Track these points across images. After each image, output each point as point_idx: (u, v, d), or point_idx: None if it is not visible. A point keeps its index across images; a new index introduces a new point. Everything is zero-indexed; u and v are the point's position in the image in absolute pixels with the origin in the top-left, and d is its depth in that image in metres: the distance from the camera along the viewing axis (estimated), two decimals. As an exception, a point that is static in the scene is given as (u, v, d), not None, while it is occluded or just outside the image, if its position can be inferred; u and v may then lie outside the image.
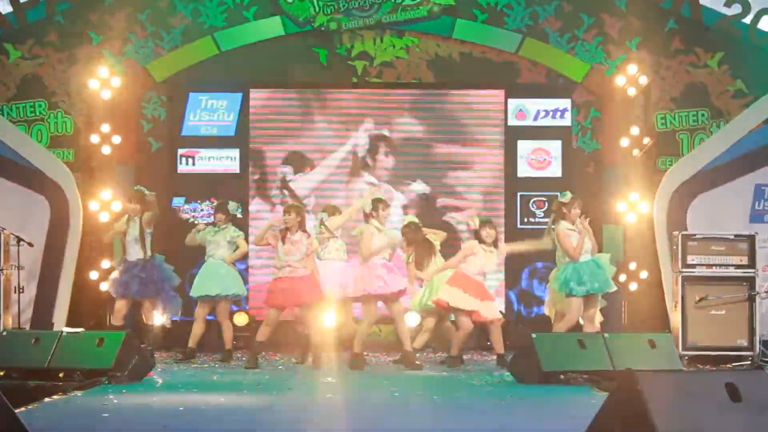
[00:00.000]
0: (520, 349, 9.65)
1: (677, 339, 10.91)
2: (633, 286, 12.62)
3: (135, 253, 11.35)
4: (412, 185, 13.19)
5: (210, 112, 13.21)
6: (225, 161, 13.17)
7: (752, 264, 11.16)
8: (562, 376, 9.09)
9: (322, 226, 11.14)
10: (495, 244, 10.87)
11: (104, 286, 12.18)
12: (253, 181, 13.21)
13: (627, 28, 13.10)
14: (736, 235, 11.31)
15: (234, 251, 11.48)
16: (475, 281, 10.76)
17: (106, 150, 12.74)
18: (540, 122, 13.20)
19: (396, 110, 13.26)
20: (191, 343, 11.36)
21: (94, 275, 12.43)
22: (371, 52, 13.27)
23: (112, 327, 11.34)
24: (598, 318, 10.75)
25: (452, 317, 11.09)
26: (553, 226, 10.73)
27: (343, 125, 13.25)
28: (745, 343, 11.07)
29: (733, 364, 10.78)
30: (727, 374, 5.77)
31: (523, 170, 13.17)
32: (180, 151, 13.16)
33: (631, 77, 12.88)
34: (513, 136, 13.19)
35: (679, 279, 11.20)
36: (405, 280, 10.83)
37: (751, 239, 11.23)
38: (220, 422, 7.01)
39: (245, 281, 12.09)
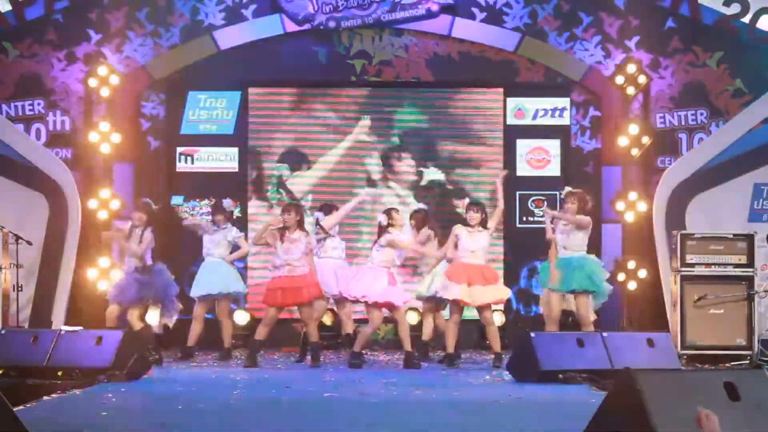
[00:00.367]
0: (518, 348, 9.65)
1: (676, 338, 10.91)
2: (632, 286, 12.62)
3: (136, 262, 11.15)
4: (425, 172, 13.20)
5: (209, 110, 13.21)
6: (224, 160, 13.18)
7: (751, 263, 11.16)
8: (560, 375, 9.08)
9: (318, 226, 11.20)
10: (483, 224, 10.71)
11: (103, 285, 12.17)
12: (252, 180, 13.21)
13: (626, 27, 13.10)
14: (734, 235, 11.31)
15: (234, 251, 11.46)
16: (473, 266, 10.62)
17: (104, 148, 12.74)
18: (539, 121, 13.21)
19: (395, 110, 13.26)
20: (190, 342, 11.35)
21: (92, 273, 12.42)
22: (370, 51, 13.27)
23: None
24: (591, 317, 10.61)
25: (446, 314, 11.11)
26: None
27: (342, 124, 13.25)
28: (743, 342, 11.07)
29: (732, 363, 10.78)
30: (725, 373, 5.76)
31: (522, 169, 13.17)
32: (179, 150, 13.17)
33: (630, 76, 12.88)
34: (512, 135, 13.19)
35: (678, 278, 11.20)
36: (407, 294, 10.96)
37: (749, 238, 11.23)
38: (219, 421, 7.01)
39: (244, 280, 12.08)
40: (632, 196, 12.72)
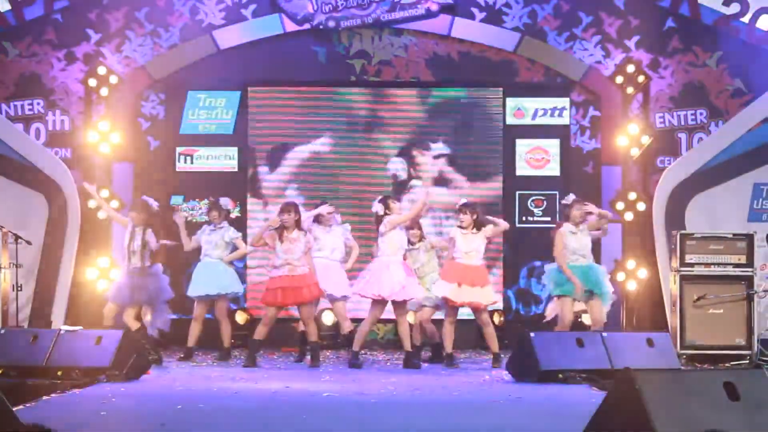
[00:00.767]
0: (518, 348, 9.65)
1: (675, 338, 10.92)
2: (631, 285, 12.62)
3: (135, 261, 11.13)
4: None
5: (208, 110, 13.20)
6: (223, 159, 13.17)
7: (750, 263, 11.18)
8: (560, 375, 9.09)
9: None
10: (477, 226, 10.72)
11: (102, 285, 12.17)
12: (251, 179, 13.20)
13: (626, 26, 13.10)
14: (734, 234, 11.32)
15: (232, 252, 11.45)
16: (467, 267, 10.65)
17: (104, 148, 12.74)
18: (538, 121, 13.20)
19: (395, 109, 13.26)
20: (190, 342, 11.33)
21: (92, 273, 12.42)
22: (369, 51, 13.27)
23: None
24: (603, 319, 10.60)
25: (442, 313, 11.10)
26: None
27: (342, 124, 13.25)
28: (743, 342, 11.08)
29: (731, 363, 10.78)
30: (725, 373, 5.77)
31: (522, 169, 13.17)
32: (178, 150, 13.16)
33: (629, 76, 12.88)
34: (511, 134, 13.18)
35: (678, 278, 11.21)
36: (420, 288, 10.79)
37: (749, 238, 11.24)
38: (218, 421, 7.01)
39: (243, 280, 12.07)
40: (632, 195, 12.72)
